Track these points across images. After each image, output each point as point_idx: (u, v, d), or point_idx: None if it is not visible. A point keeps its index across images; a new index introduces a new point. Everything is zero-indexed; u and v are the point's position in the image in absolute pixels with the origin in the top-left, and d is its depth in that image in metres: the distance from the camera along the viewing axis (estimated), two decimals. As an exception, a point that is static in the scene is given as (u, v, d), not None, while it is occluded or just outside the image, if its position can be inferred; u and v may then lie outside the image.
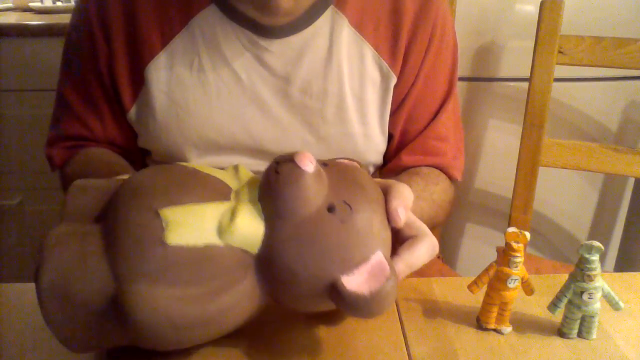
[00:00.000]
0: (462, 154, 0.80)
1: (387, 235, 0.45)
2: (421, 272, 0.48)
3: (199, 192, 0.42)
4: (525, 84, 1.02)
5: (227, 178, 0.45)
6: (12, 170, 1.49)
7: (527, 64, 1.01)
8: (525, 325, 0.52)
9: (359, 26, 0.70)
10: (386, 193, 0.47)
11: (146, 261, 0.39)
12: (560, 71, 1.00)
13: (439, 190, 0.72)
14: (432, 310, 0.54)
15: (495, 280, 0.50)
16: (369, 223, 0.43)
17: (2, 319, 0.53)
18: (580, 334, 0.50)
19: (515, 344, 0.49)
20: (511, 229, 0.49)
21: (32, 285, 0.56)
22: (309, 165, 0.42)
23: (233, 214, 0.41)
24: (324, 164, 0.46)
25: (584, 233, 1.33)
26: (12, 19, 1.52)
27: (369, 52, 0.70)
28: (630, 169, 1.01)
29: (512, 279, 0.49)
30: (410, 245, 0.46)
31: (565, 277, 0.50)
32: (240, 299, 0.42)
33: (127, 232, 0.39)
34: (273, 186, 0.42)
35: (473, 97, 1.22)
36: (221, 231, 0.40)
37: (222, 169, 0.48)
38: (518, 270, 0.49)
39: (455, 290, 0.56)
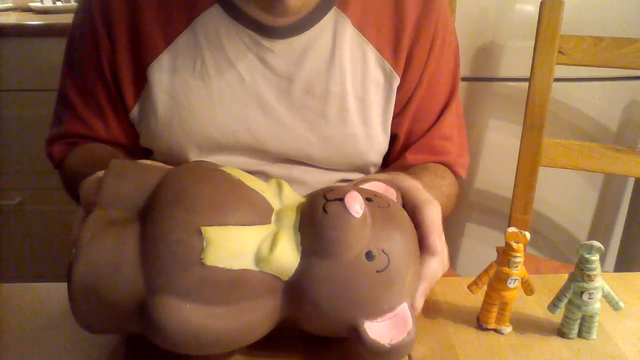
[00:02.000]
0: (466, 151, 0.81)
1: (417, 281, 0.46)
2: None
3: (243, 212, 0.41)
4: (525, 84, 1.02)
5: (270, 195, 0.44)
6: (12, 170, 1.49)
7: (527, 64, 1.01)
8: (525, 325, 0.52)
9: (361, 27, 0.70)
10: (417, 216, 0.48)
11: (181, 278, 0.39)
12: (560, 71, 1.00)
13: (446, 183, 0.74)
14: (432, 310, 0.54)
15: (495, 280, 0.50)
16: (402, 277, 0.43)
17: (2, 319, 0.52)
18: (580, 334, 0.50)
19: (515, 344, 0.49)
20: (511, 229, 0.48)
21: (32, 285, 0.57)
22: (358, 210, 0.41)
23: (273, 243, 0.41)
24: (367, 198, 0.45)
25: (584, 233, 1.33)
26: (12, 19, 1.52)
27: (371, 54, 0.70)
28: (630, 169, 1.01)
29: (512, 279, 0.49)
30: (423, 266, 0.47)
31: (565, 277, 0.50)
32: (263, 319, 0.43)
33: (166, 246, 0.39)
34: (318, 224, 0.41)
35: (473, 97, 1.22)
36: (259, 259, 0.40)
37: (265, 180, 0.47)
38: (518, 270, 0.49)
39: (455, 290, 0.56)
